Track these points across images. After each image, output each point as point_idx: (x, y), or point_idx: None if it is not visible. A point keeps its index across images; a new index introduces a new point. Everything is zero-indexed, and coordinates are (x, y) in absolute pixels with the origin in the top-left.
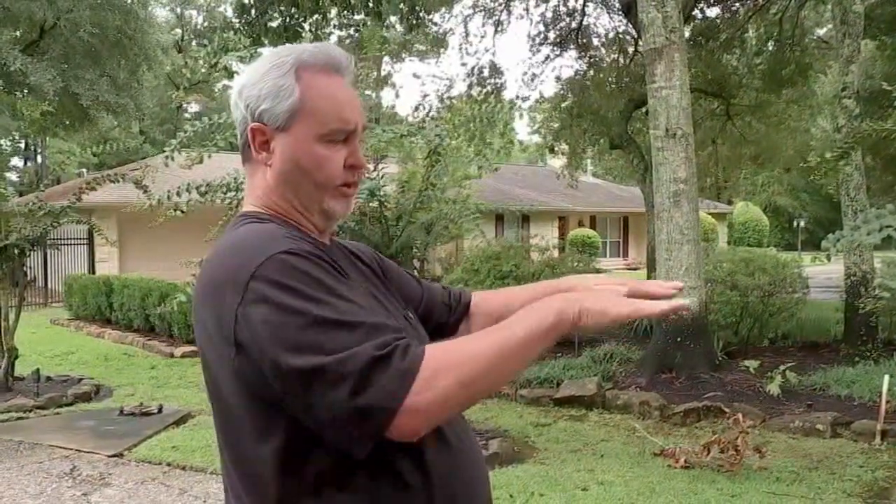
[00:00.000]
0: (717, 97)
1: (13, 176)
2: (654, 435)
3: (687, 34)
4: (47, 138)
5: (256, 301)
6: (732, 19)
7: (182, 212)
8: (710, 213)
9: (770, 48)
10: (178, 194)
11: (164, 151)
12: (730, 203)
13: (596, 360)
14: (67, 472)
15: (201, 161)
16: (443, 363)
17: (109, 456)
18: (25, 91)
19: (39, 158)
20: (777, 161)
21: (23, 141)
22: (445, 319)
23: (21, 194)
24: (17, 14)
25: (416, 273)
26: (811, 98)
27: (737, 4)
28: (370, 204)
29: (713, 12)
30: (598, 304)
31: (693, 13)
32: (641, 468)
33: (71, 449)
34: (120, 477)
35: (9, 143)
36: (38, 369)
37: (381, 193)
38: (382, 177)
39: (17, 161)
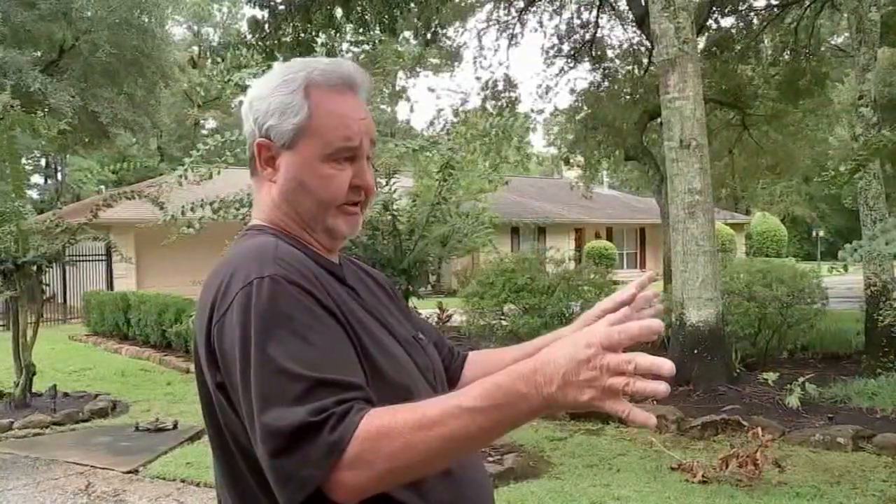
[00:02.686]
0: (732, 107)
1: (34, 193)
2: (672, 449)
3: (701, 45)
4: (67, 156)
5: (230, 323)
6: (747, 29)
7: (194, 229)
8: (727, 224)
9: (786, 58)
10: (192, 210)
11: (176, 169)
12: (748, 213)
13: None
14: (82, 489)
15: (210, 177)
16: (372, 445)
17: (124, 472)
18: (46, 110)
19: (59, 176)
20: (795, 171)
21: (43, 159)
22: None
23: (41, 211)
24: (38, 35)
25: (430, 287)
26: (828, 107)
27: (751, 14)
28: (383, 218)
29: (728, 22)
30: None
31: (707, 23)
32: (658, 483)
33: (86, 465)
34: (134, 494)
35: (30, 162)
36: (54, 385)
37: (395, 207)
38: (395, 191)
39: (38, 178)
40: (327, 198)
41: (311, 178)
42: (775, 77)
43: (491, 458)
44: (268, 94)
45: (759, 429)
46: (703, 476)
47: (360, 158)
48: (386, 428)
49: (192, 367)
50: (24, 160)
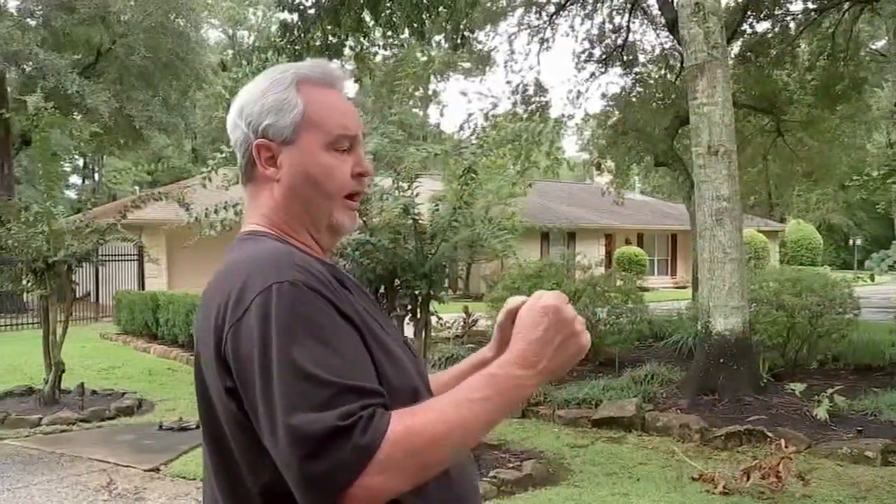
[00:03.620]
0: (767, 113)
1: (72, 193)
2: (694, 459)
3: (736, 50)
4: (104, 157)
5: (248, 327)
6: (783, 34)
7: (215, 231)
8: (760, 231)
9: (822, 62)
10: (216, 212)
11: (202, 172)
12: (782, 221)
13: (636, 380)
14: (104, 486)
15: (237, 182)
16: (403, 446)
17: (146, 470)
18: (83, 112)
19: (97, 176)
20: (831, 178)
21: (81, 160)
22: None
23: (79, 211)
24: (77, 39)
25: (450, 291)
26: (866, 113)
27: (788, 18)
28: (405, 222)
29: (763, 27)
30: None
31: (742, 28)
32: (678, 493)
33: (109, 462)
34: (154, 492)
35: (68, 163)
36: (82, 383)
37: (416, 211)
38: (417, 194)
39: (76, 179)
40: (333, 188)
41: (315, 168)
42: (811, 82)
43: (510, 465)
44: (258, 96)
45: (782, 440)
46: (724, 487)
47: (358, 147)
48: (411, 429)
49: None
50: (62, 161)
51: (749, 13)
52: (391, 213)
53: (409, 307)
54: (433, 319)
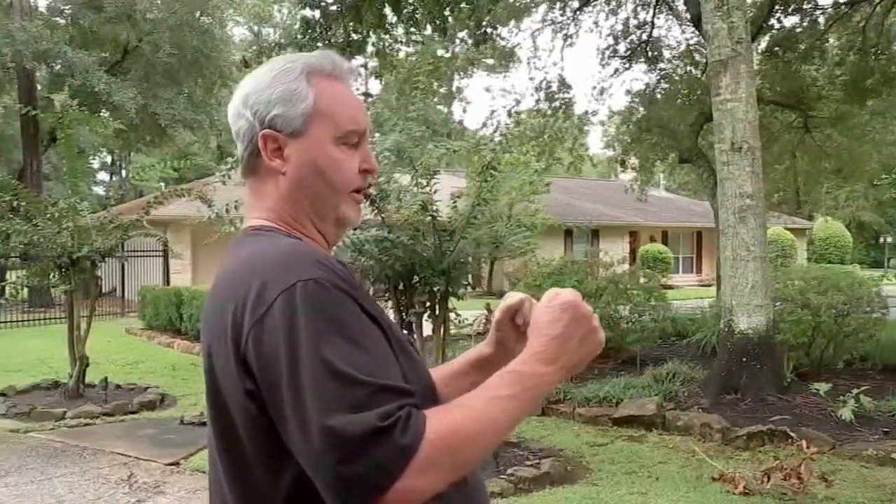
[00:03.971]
0: (794, 109)
1: (100, 190)
2: (715, 459)
3: (763, 45)
4: (131, 154)
5: (272, 326)
6: (812, 28)
7: (235, 227)
8: (788, 229)
9: (852, 57)
10: (236, 208)
11: (221, 170)
12: (810, 218)
13: (658, 379)
14: (125, 479)
15: None
16: (442, 446)
17: (166, 464)
18: (110, 110)
19: (124, 173)
20: (861, 175)
21: (109, 156)
22: None
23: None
24: (104, 37)
25: (471, 288)
26: None
27: (817, 12)
28: (423, 218)
29: (791, 21)
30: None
31: (769, 23)
32: (698, 493)
33: (130, 456)
34: (174, 485)
35: (94, 159)
36: (106, 378)
37: (434, 208)
38: (436, 191)
39: (104, 175)
40: (341, 182)
41: (324, 161)
42: (840, 77)
43: (528, 462)
44: (266, 85)
45: (804, 441)
46: (744, 488)
47: (365, 142)
48: (448, 428)
49: None
50: (90, 158)
51: (777, 7)
52: (409, 209)
53: (428, 304)
54: (451, 316)
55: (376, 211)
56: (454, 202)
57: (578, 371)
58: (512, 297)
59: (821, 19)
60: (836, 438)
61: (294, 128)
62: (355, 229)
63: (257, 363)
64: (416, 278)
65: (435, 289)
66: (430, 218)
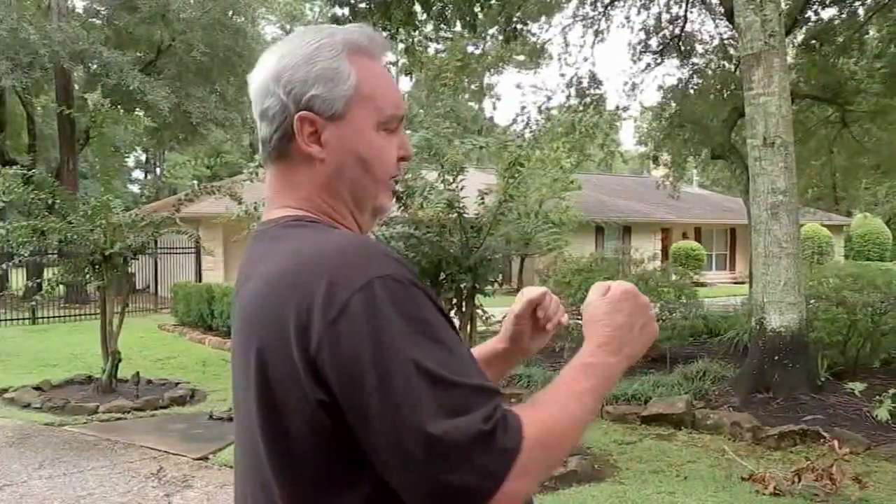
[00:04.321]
0: (831, 103)
1: (135, 188)
2: (745, 458)
3: (800, 38)
4: (164, 152)
5: (351, 329)
6: (851, 20)
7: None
8: (824, 225)
9: (893, 49)
10: (264, 205)
11: (249, 167)
12: (848, 215)
13: (688, 377)
14: (154, 473)
15: None
16: (538, 446)
17: (195, 459)
18: (144, 108)
19: (158, 171)
20: None
21: (143, 155)
22: None
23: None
24: (138, 37)
25: (499, 285)
26: None
27: (856, 4)
28: (451, 215)
29: (829, 13)
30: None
31: (806, 15)
32: (726, 493)
33: (160, 451)
34: (202, 480)
35: (130, 157)
36: (137, 373)
37: (461, 205)
38: (462, 188)
39: (138, 174)
40: (382, 171)
41: (367, 150)
42: (880, 70)
43: None
44: (303, 61)
45: (836, 441)
46: (774, 488)
47: (401, 128)
48: (542, 427)
49: None
50: (124, 156)
51: None
52: (434, 208)
53: (454, 301)
54: (478, 313)
55: (403, 207)
56: (482, 199)
57: (636, 360)
58: (533, 291)
59: (860, 11)
60: (871, 439)
61: (335, 110)
62: (381, 225)
63: (336, 371)
64: (442, 275)
65: (461, 285)
66: (456, 215)
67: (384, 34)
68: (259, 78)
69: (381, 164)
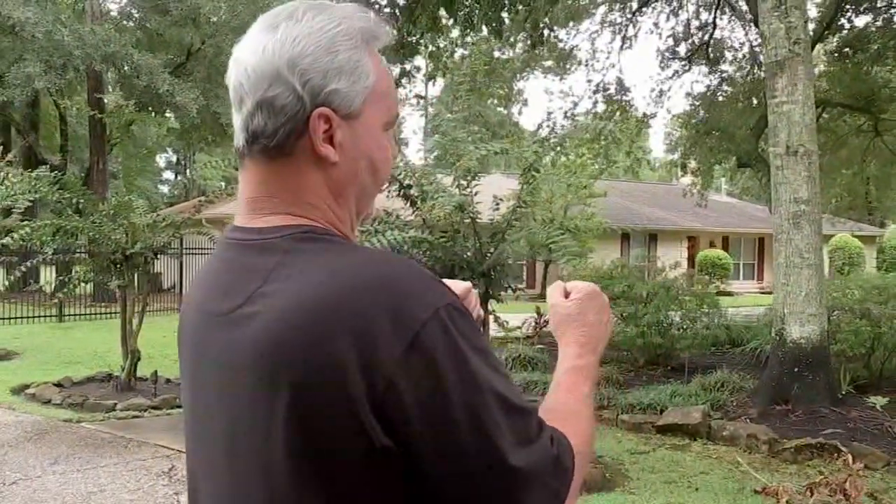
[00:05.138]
0: (864, 112)
1: (165, 188)
2: (760, 471)
3: (832, 45)
4: (194, 153)
5: (426, 365)
6: (886, 27)
7: None
8: (855, 236)
9: None
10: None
11: None
12: (882, 226)
13: (706, 387)
14: (165, 471)
15: None
16: (580, 460)
17: None
18: (174, 110)
19: (188, 172)
20: None
21: (174, 156)
22: None
23: (171, 205)
24: (169, 39)
25: (513, 291)
26: None
27: (892, 11)
28: (463, 220)
29: (863, 21)
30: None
31: (839, 22)
32: None
33: (173, 449)
34: None
35: (161, 158)
36: (155, 371)
37: (474, 209)
38: (476, 193)
39: (169, 174)
40: (386, 174)
41: (378, 152)
42: None
43: None
44: (322, 50)
45: (850, 455)
46: (787, 502)
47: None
48: (580, 441)
49: None
50: (155, 156)
51: (847, 6)
52: (443, 210)
53: None
54: (492, 319)
55: (417, 212)
56: (497, 204)
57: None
58: (458, 286)
59: None
60: (891, 455)
61: (353, 108)
62: (394, 228)
63: (414, 414)
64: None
65: (475, 291)
66: (469, 219)
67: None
68: (258, 59)
69: (387, 166)
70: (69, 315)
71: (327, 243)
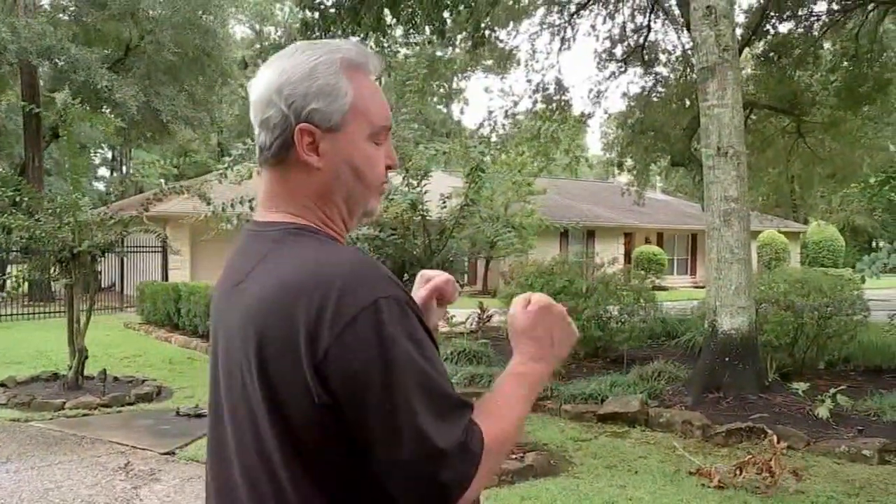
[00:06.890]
0: (788, 114)
1: (101, 185)
2: (694, 454)
3: (758, 50)
4: (132, 150)
5: (358, 345)
6: (807, 34)
7: (232, 224)
8: (782, 232)
9: (846, 64)
10: (232, 206)
11: (218, 168)
12: (806, 222)
13: (644, 377)
14: (122, 467)
15: (250, 177)
16: (493, 452)
17: (162, 453)
18: (112, 106)
19: (125, 169)
20: (853, 180)
21: (109, 152)
22: None
23: (106, 203)
24: (107, 34)
25: (462, 286)
26: (892, 115)
27: (812, 19)
28: (414, 217)
29: (786, 27)
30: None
31: (764, 28)
32: (674, 486)
33: (127, 445)
34: (169, 473)
35: (95, 155)
36: (104, 370)
37: (424, 207)
38: (426, 192)
39: (104, 171)
40: (374, 178)
41: (360, 159)
42: (834, 83)
43: (513, 456)
44: (304, 77)
45: (775, 437)
46: (719, 481)
47: (389, 138)
48: (496, 435)
49: None
50: (91, 154)
51: (771, 13)
52: (399, 208)
53: None
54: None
55: None
56: (444, 202)
57: (563, 359)
58: (431, 274)
59: (815, 26)
60: (811, 436)
61: (332, 123)
62: None
63: (342, 380)
64: (406, 276)
65: None
66: (420, 217)
67: (354, 39)
68: (260, 89)
69: (372, 171)
70: (6, 315)
71: (309, 238)
